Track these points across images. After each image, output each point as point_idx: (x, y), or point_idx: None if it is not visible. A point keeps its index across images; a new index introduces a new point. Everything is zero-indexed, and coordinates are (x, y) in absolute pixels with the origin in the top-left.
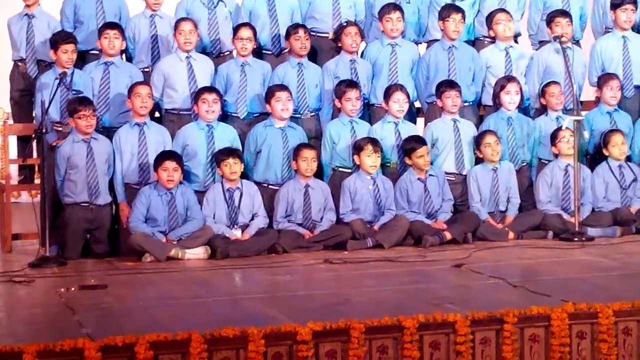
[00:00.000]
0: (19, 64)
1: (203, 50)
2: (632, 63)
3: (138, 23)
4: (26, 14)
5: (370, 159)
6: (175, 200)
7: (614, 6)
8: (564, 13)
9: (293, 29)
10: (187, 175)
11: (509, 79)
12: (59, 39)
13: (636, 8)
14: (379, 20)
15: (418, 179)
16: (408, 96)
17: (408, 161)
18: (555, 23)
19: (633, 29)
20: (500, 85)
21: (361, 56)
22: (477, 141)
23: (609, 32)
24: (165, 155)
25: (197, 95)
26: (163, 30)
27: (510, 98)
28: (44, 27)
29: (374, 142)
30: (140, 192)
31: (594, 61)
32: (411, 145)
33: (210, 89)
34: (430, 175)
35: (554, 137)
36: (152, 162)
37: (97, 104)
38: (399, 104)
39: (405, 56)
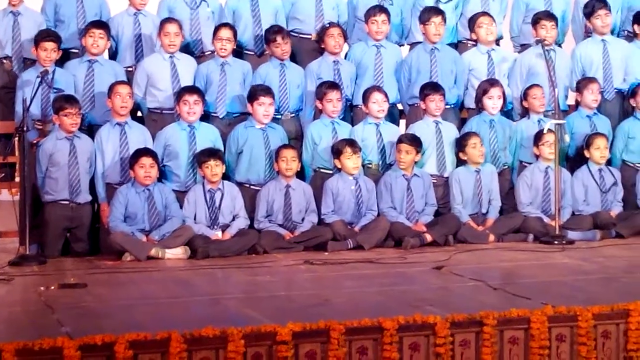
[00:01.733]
0: (4, 61)
1: (185, 49)
2: (612, 66)
3: (121, 21)
4: (11, 11)
5: (350, 161)
6: (154, 197)
7: (588, 15)
8: (550, 15)
9: (271, 35)
10: (168, 176)
11: (492, 83)
12: (40, 37)
13: (610, 11)
14: (365, 21)
15: (403, 175)
16: (387, 96)
17: (398, 156)
18: (540, 25)
19: (613, 32)
20: (483, 89)
21: (345, 57)
22: (461, 143)
23: (589, 36)
24: (141, 152)
25: (178, 95)
26: (147, 28)
27: (493, 102)
28: (30, 24)
29: (351, 143)
30: (117, 191)
31: (574, 66)
32: (400, 138)
33: (192, 89)
34: (415, 175)
35: (537, 138)
36: None
37: (82, 101)
38: (377, 104)
39: (390, 58)
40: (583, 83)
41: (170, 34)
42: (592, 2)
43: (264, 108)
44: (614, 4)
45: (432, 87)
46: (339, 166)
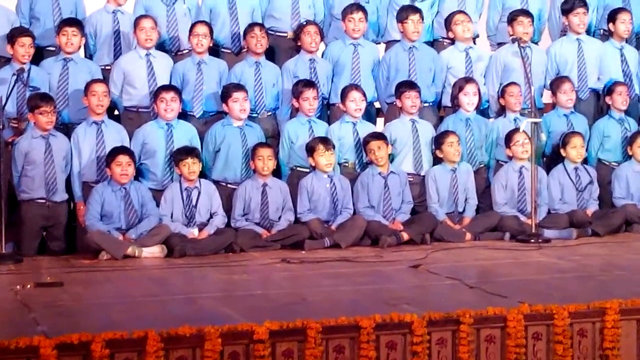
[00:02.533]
0: None
1: (161, 48)
2: (587, 66)
3: (100, 19)
4: None
5: (324, 158)
6: (130, 195)
7: (566, 11)
8: (526, 13)
9: (249, 27)
10: (144, 174)
11: (467, 80)
12: (15, 33)
13: (587, 11)
14: (342, 19)
15: (379, 173)
16: (364, 95)
17: (370, 156)
18: (517, 22)
19: (589, 31)
20: (459, 87)
21: (322, 56)
22: (438, 141)
23: (564, 34)
24: (117, 150)
25: (155, 93)
26: (125, 26)
27: (469, 99)
28: (3, 21)
29: (324, 140)
30: (93, 190)
31: (549, 65)
32: (365, 139)
33: (169, 87)
34: (392, 172)
35: (508, 139)
36: None
37: (56, 100)
38: (355, 103)
39: (367, 56)
40: (556, 84)
41: (145, 28)
42: (571, 0)
43: (238, 104)
44: (591, 2)
45: (407, 85)
46: (313, 164)
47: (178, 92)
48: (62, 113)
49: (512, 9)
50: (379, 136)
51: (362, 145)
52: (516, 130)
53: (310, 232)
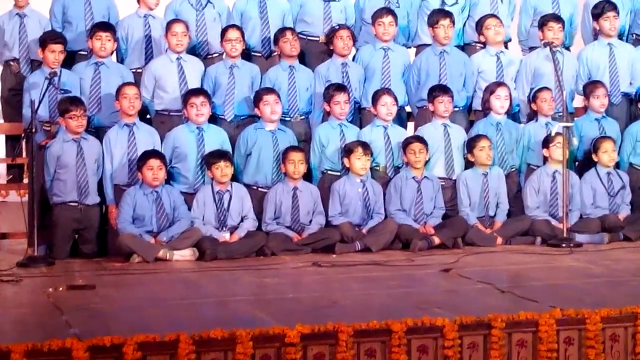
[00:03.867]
0: (12, 63)
1: (191, 51)
2: (619, 70)
3: (131, 23)
4: (17, 13)
5: (360, 162)
6: (162, 199)
7: (596, 16)
8: (557, 18)
9: (280, 32)
10: (176, 177)
11: (499, 84)
12: (47, 38)
13: (618, 14)
14: (372, 24)
15: (413, 177)
16: (396, 99)
17: (404, 158)
18: (547, 27)
19: (620, 35)
20: (490, 90)
21: (353, 60)
22: (470, 144)
23: (596, 39)
24: (149, 154)
25: (185, 98)
26: (156, 31)
27: (501, 103)
28: (35, 25)
29: (364, 145)
30: (125, 193)
31: (581, 69)
32: (407, 140)
33: (198, 91)
34: (425, 177)
35: (546, 140)
36: None
37: (88, 104)
38: (386, 107)
39: (398, 60)
40: (589, 88)
41: (177, 33)
42: (602, 4)
43: (269, 107)
44: (624, 7)
45: (440, 89)
46: (348, 165)
47: (207, 95)
48: (94, 117)
49: (544, 13)
50: (422, 140)
51: (402, 146)
52: (551, 133)
53: (341, 236)
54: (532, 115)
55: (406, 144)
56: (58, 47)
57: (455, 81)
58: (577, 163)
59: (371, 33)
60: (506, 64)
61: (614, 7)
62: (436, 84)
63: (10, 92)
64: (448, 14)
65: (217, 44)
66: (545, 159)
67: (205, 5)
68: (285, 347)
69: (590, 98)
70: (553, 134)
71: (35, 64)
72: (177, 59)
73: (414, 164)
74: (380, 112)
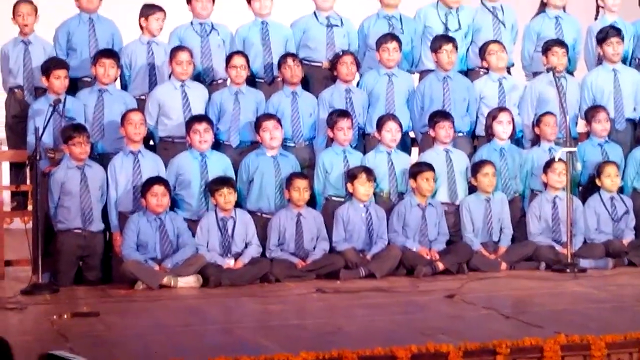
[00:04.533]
0: (16, 90)
1: (196, 78)
2: (623, 95)
3: (135, 50)
4: (22, 41)
5: (363, 188)
6: (165, 226)
7: (600, 41)
8: (561, 43)
9: (282, 58)
10: (180, 204)
11: (501, 109)
12: (50, 65)
13: (622, 40)
14: (376, 50)
15: (417, 205)
16: (400, 125)
17: (413, 184)
18: (551, 52)
19: (624, 60)
20: (492, 116)
21: (357, 86)
22: (475, 169)
23: (600, 64)
24: (153, 181)
25: (188, 124)
26: (160, 58)
27: (503, 128)
28: (40, 53)
29: (368, 171)
30: (129, 220)
31: (584, 94)
32: (418, 168)
33: (200, 118)
34: (430, 204)
35: (546, 167)
36: None
37: (92, 130)
38: (391, 133)
39: (402, 86)
40: (591, 113)
41: (182, 62)
42: (606, 29)
43: (268, 133)
44: (627, 32)
45: (441, 115)
46: (351, 191)
47: (210, 122)
48: (98, 143)
49: (547, 38)
50: (433, 168)
51: (411, 173)
52: (554, 158)
53: (346, 262)
54: (536, 141)
55: (418, 171)
56: (62, 73)
57: (459, 106)
58: (580, 188)
59: (375, 59)
60: (509, 89)
61: (618, 33)
62: (437, 109)
63: (15, 119)
64: (451, 40)
65: (221, 71)
66: (546, 185)
67: (210, 32)
68: None
69: (592, 123)
70: (556, 159)
71: (39, 91)
72: (181, 85)
73: (425, 192)
74: (384, 137)
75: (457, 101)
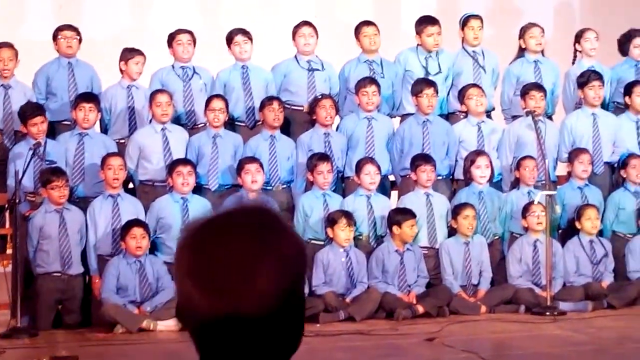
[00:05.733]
0: None
1: (177, 122)
2: (602, 140)
3: (115, 93)
4: (2, 85)
5: (344, 233)
6: (145, 269)
7: (581, 85)
8: (539, 87)
9: (267, 100)
10: (160, 247)
11: (479, 152)
12: (27, 112)
13: (603, 84)
14: (355, 93)
15: (396, 250)
16: (379, 168)
17: (396, 230)
18: (529, 96)
19: (602, 105)
20: (470, 160)
21: (337, 129)
22: (455, 211)
23: (579, 107)
24: (132, 223)
25: (171, 167)
26: (139, 101)
27: (481, 172)
28: (20, 97)
29: (347, 215)
30: (109, 263)
31: (564, 137)
32: (402, 215)
33: (185, 161)
34: (408, 249)
35: (524, 210)
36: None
37: (72, 174)
38: (370, 176)
39: (382, 130)
40: (574, 153)
41: (162, 103)
42: (587, 73)
43: (250, 175)
44: (605, 76)
45: (423, 158)
46: (331, 235)
47: (194, 166)
48: (78, 187)
49: (526, 82)
50: (414, 214)
51: (395, 219)
52: (533, 201)
53: (325, 305)
54: (515, 184)
55: (402, 219)
56: (39, 120)
57: (438, 150)
58: (560, 231)
59: (355, 102)
60: (488, 133)
61: (600, 77)
62: (418, 153)
63: None
64: (432, 84)
65: (203, 115)
66: (526, 228)
67: (192, 76)
68: None
69: (575, 162)
70: (536, 202)
71: (19, 135)
72: (162, 129)
73: (408, 239)
74: (363, 181)
75: (436, 144)
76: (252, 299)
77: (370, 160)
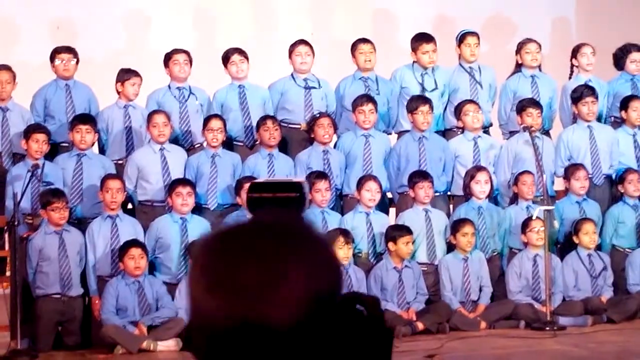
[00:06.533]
0: None
1: (174, 142)
2: (600, 152)
3: (112, 114)
4: (0, 107)
5: (342, 252)
6: (144, 289)
7: (575, 100)
8: (535, 103)
9: (262, 120)
10: (159, 268)
11: (478, 168)
12: (31, 129)
13: (597, 99)
14: (352, 111)
15: (394, 267)
16: (380, 186)
17: (392, 247)
18: (526, 113)
19: (599, 118)
20: (470, 175)
21: (334, 147)
22: (454, 227)
23: (575, 122)
24: (130, 244)
25: (171, 187)
26: (137, 121)
27: (481, 187)
28: (18, 119)
29: (345, 233)
30: (108, 284)
31: (560, 152)
32: (398, 231)
33: (185, 181)
34: (406, 266)
35: (524, 226)
36: None
37: (70, 195)
38: (370, 193)
39: (379, 147)
40: (570, 170)
41: (158, 124)
42: (580, 88)
43: None
44: (601, 90)
45: (420, 175)
46: None
47: (193, 186)
48: (76, 208)
49: (523, 97)
50: (410, 231)
51: (392, 235)
52: (532, 217)
53: None
54: (514, 199)
55: (398, 235)
56: (42, 137)
57: (435, 166)
58: (558, 246)
59: (352, 120)
60: (485, 148)
61: (593, 92)
62: (416, 170)
63: None
64: (427, 101)
65: (200, 135)
66: (526, 244)
67: (188, 96)
68: None
69: (572, 179)
70: (534, 218)
71: (17, 157)
72: (160, 149)
73: (405, 256)
74: (363, 197)
75: (433, 161)
76: (274, 304)
77: (372, 177)
